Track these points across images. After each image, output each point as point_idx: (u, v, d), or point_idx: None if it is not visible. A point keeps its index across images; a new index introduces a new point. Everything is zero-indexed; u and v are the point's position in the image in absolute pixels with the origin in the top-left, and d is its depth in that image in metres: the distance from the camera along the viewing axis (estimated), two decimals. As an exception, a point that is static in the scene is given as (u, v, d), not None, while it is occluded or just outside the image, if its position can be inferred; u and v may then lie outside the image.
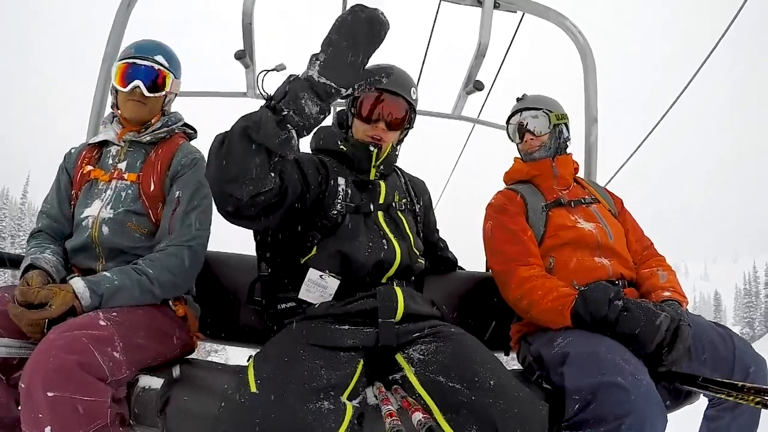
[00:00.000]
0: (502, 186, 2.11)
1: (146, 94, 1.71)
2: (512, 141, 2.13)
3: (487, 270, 2.08)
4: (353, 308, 1.46)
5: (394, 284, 1.55)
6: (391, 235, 1.60)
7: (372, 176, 1.68)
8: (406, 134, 1.79)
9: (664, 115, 3.60)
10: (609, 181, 3.36)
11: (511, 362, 2.05)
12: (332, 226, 1.56)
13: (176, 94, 1.88)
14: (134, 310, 1.46)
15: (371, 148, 1.64)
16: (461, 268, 2.30)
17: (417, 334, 1.46)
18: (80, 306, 1.37)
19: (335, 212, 1.56)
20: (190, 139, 1.92)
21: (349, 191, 1.61)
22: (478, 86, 2.52)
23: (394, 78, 1.65)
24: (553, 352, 1.52)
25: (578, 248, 1.81)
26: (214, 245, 2.01)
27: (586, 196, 1.99)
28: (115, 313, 1.38)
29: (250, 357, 1.37)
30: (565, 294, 1.62)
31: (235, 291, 2.06)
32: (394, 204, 1.69)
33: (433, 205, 2.07)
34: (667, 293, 1.69)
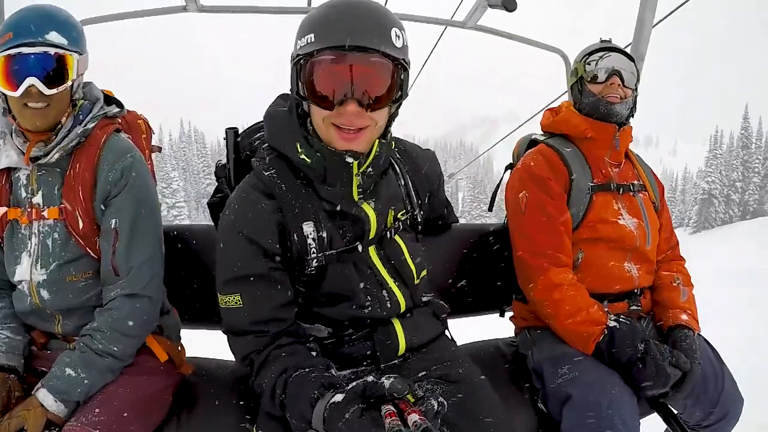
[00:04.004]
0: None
1: (46, 92, 1.26)
2: (583, 79, 1.77)
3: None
4: (350, 352, 1.37)
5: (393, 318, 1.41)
6: (390, 281, 1.37)
7: (355, 196, 1.28)
8: (399, 106, 1.25)
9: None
10: None
11: (503, 326, 2.09)
12: (316, 276, 1.31)
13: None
14: (114, 392, 1.34)
15: (348, 161, 1.20)
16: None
17: (424, 373, 1.41)
18: (57, 416, 1.25)
19: (314, 267, 1.28)
20: (116, 126, 1.47)
21: (324, 235, 1.26)
22: (509, 5, 1.87)
23: (357, 24, 1.09)
24: (557, 382, 1.56)
25: (612, 249, 1.71)
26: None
27: (635, 181, 1.81)
28: (97, 410, 1.27)
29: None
30: (595, 320, 1.58)
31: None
32: (388, 234, 1.35)
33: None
34: (684, 317, 1.70)
